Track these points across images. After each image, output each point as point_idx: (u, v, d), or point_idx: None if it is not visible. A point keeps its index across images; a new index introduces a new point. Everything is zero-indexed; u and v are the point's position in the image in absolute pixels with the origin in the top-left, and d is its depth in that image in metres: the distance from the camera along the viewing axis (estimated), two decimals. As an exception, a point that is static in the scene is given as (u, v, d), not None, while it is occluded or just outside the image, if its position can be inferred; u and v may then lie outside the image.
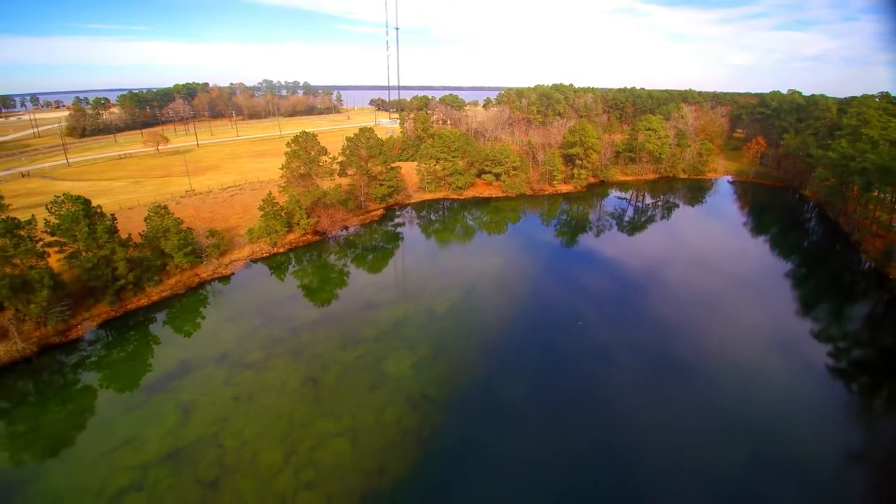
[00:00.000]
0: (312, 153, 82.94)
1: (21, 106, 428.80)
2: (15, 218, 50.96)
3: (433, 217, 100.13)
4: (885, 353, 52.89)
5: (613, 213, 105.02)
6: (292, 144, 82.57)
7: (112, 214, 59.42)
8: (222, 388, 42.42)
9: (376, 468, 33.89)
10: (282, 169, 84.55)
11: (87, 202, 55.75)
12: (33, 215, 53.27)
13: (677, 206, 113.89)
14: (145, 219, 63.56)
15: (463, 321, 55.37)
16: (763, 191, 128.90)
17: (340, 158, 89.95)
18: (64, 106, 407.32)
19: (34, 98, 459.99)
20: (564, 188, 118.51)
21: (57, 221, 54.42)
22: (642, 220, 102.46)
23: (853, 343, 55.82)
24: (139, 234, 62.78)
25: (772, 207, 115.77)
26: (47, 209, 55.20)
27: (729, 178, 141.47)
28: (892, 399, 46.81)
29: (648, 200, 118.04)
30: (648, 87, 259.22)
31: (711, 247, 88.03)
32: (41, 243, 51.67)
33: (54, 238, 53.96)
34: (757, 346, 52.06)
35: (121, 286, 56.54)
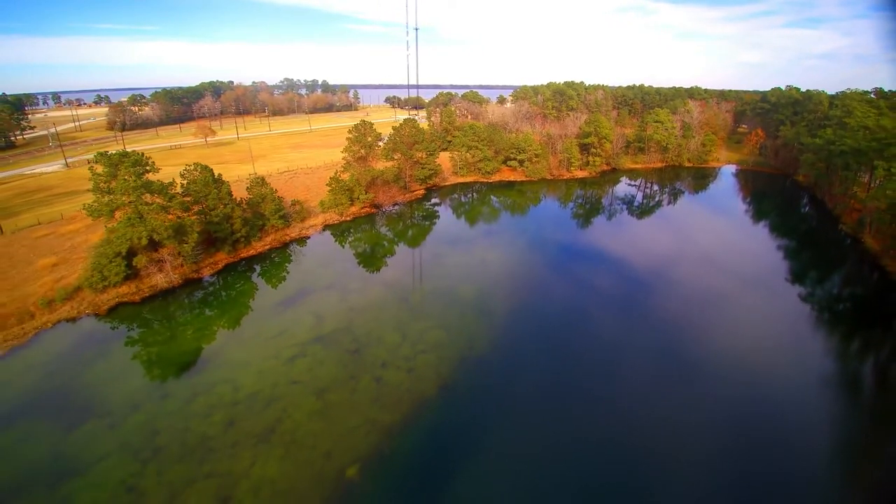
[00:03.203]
0: (369, 139, 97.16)
1: (43, 104, 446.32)
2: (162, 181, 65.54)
3: (466, 197, 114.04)
4: (857, 305, 63.74)
5: (624, 198, 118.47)
6: (353, 131, 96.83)
7: (227, 182, 73.83)
8: (339, 304, 56.70)
9: (467, 345, 48.09)
10: (343, 152, 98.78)
11: (211, 170, 70.28)
12: (173, 178, 67.93)
13: (682, 191, 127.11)
14: (247, 188, 78.02)
15: (510, 265, 69.67)
16: (761, 178, 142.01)
17: (391, 145, 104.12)
18: (86, 104, 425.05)
19: (56, 96, 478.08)
20: (580, 174, 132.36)
21: (186, 184, 69.02)
22: (651, 204, 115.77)
23: (834, 300, 65.48)
24: (243, 199, 77.12)
25: (768, 191, 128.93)
26: (181, 175, 69.72)
27: (733, 167, 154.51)
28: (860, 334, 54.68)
29: (656, 186, 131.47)
30: (656, 84, 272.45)
31: (711, 225, 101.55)
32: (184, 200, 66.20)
33: (188, 198, 68.49)
34: (751, 310, 58.30)
35: (236, 238, 70.96)
